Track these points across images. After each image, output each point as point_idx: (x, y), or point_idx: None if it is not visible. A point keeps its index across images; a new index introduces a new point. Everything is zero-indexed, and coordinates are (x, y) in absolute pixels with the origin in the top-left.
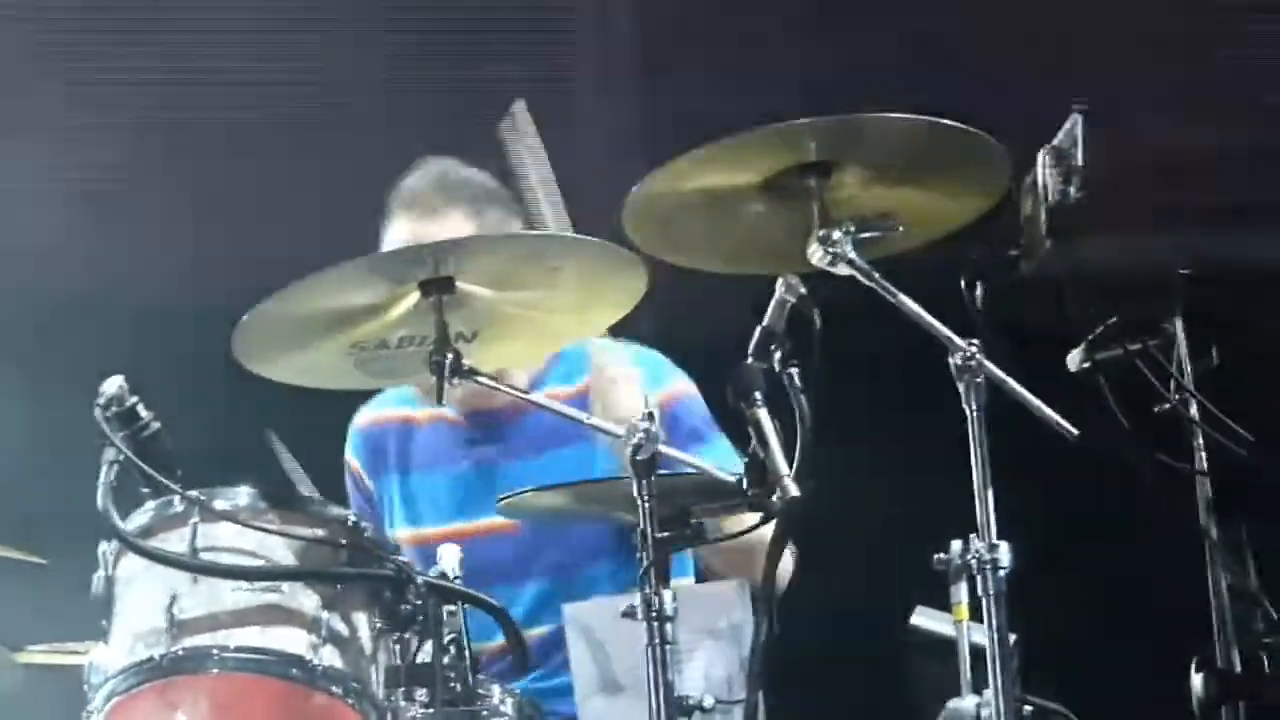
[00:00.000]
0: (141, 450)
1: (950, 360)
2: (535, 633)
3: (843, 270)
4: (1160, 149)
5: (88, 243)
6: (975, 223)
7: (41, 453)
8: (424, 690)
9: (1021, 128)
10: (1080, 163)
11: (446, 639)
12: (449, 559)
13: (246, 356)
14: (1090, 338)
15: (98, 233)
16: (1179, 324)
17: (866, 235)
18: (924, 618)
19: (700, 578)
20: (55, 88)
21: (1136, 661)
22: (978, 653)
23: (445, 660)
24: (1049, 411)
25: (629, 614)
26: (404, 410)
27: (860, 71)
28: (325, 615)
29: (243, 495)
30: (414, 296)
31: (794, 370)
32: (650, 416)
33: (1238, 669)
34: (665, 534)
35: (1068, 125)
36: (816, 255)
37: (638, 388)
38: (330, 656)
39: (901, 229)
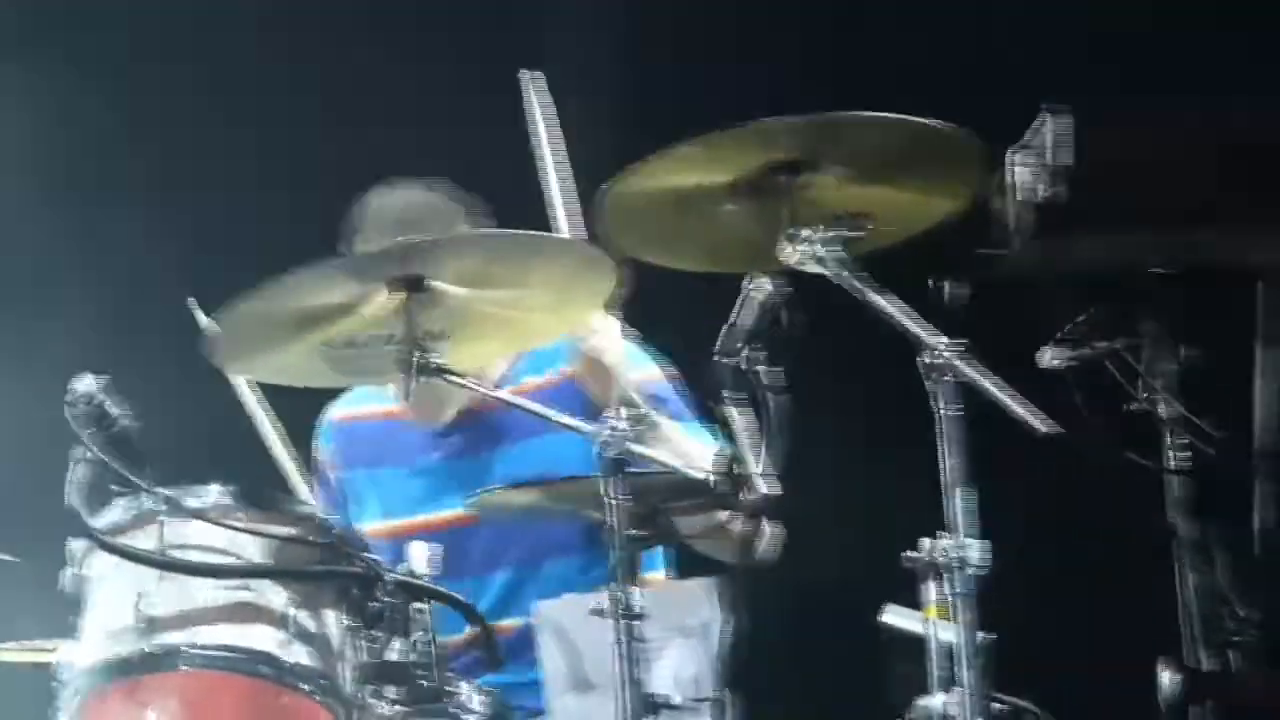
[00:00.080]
0: (111, 447)
1: (921, 358)
2: (504, 625)
3: (815, 269)
4: (1131, 148)
5: (55, 235)
6: (947, 221)
7: (10, 450)
8: (393, 687)
9: (992, 126)
10: (1050, 161)
11: (415, 636)
12: (418, 557)
13: (218, 355)
14: (1061, 336)
15: (66, 224)
16: (1149, 323)
17: (839, 234)
18: (894, 616)
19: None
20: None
21: (1105, 659)
22: (948, 650)
23: (414, 657)
24: (1020, 409)
25: (599, 612)
26: (375, 406)
27: (834, 70)
28: (294, 613)
29: (212, 493)
30: (385, 295)
31: (766, 368)
32: (620, 415)
33: (1206, 667)
34: (635, 532)
35: (1037, 124)
36: (789, 254)
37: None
38: (300, 654)
39: (875, 227)
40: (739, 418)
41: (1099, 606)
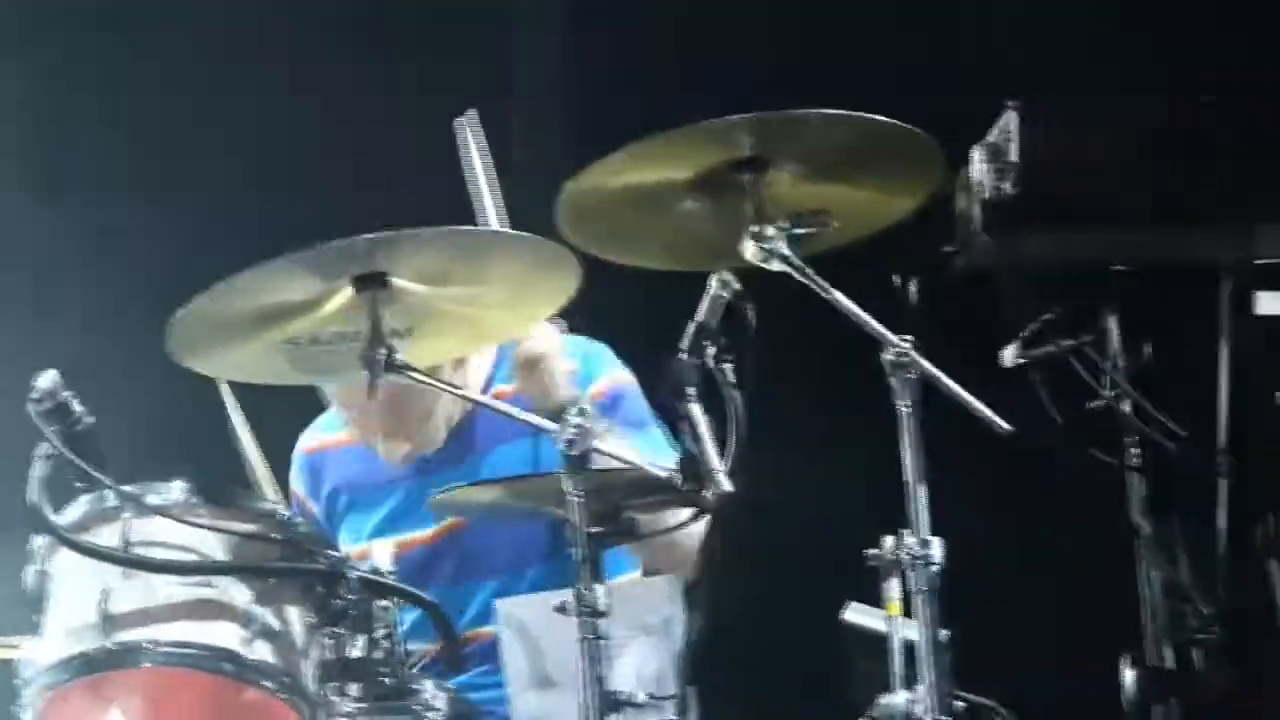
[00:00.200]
0: (75, 445)
1: (882, 356)
2: (484, 632)
3: (776, 266)
4: (1095, 145)
5: (21, 234)
6: (910, 219)
7: None
8: (356, 685)
9: (956, 124)
10: (1014, 159)
11: (379, 634)
12: (381, 555)
13: (181, 352)
14: (1024, 334)
15: (32, 223)
16: (1112, 319)
17: (800, 231)
18: (857, 613)
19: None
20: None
21: (1069, 657)
22: (910, 648)
23: (377, 655)
24: (982, 407)
25: (561, 609)
26: (344, 433)
27: (795, 68)
28: (258, 610)
29: (176, 490)
30: (347, 292)
31: (727, 365)
32: (583, 411)
33: (1169, 665)
34: (598, 529)
35: (1002, 122)
36: (750, 251)
37: (559, 359)
38: (262, 651)
39: (836, 225)
40: (701, 415)
41: (1062, 604)
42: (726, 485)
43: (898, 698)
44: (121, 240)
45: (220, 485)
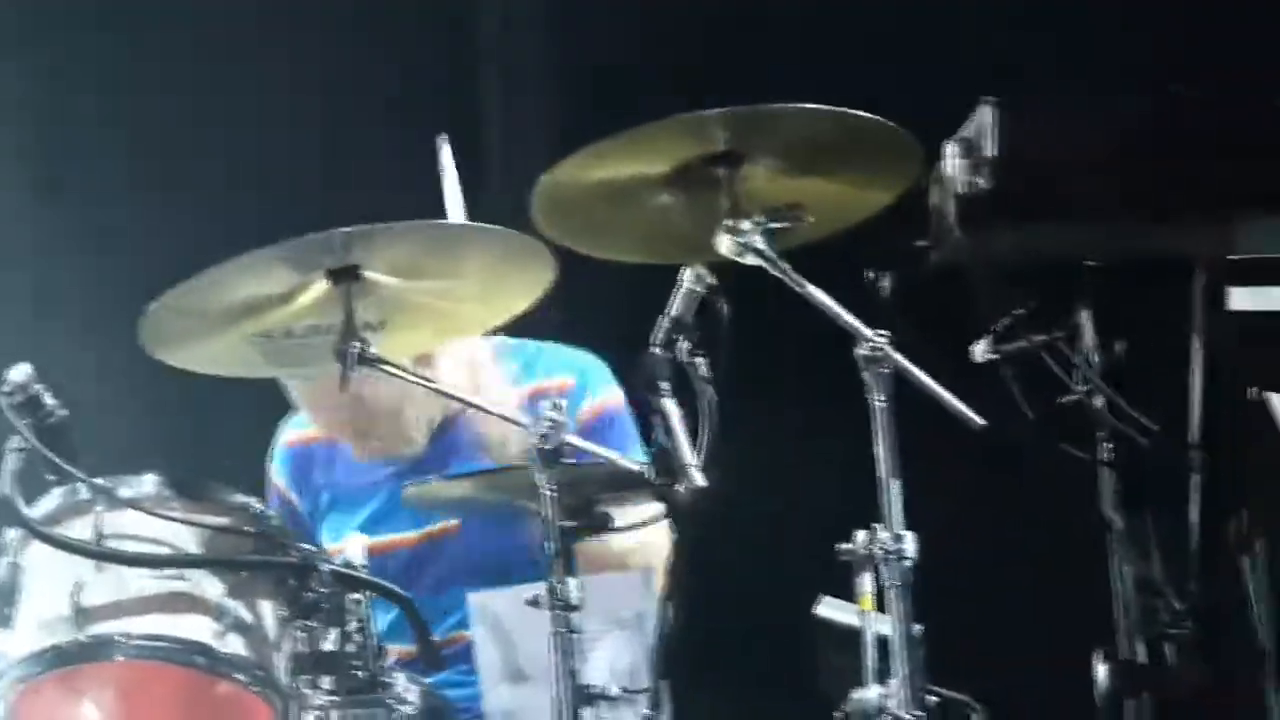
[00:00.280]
0: (47, 438)
1: (856, 351)
2: (465, 635)
3: (751, 260)
4: (1068, 140)
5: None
6: (884, 213)
7: None
8: (328, 678)
9: (930, 118)
10: (989, 154)
11: (351, 627)
12: (354, 548)
13: (153, 344)
14: (996, 329)
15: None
16: (1085, 314)
17: (775, 225)
18: (829, 608)
19: None
20: None
21: (1041, 652)
22: (883, 642)
23: (350, 648)
24: (955, 402)
25: (534, 603)
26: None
27: (770, 62)
28: (230, 603)
29: (148, 483)
30: (321, 285)
31: (700, 360)
32: (556, 407)
33: (1141, 660)
34: (570, 523)
35: (976, 116)
36: (725, 245)
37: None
38: (235, 644)
39: (810, 219)
40: (674, 410)
41: (1035, 599)
42: (699, 479)
43: (870, 692)
44: (119, 240)
45: (192, 478)
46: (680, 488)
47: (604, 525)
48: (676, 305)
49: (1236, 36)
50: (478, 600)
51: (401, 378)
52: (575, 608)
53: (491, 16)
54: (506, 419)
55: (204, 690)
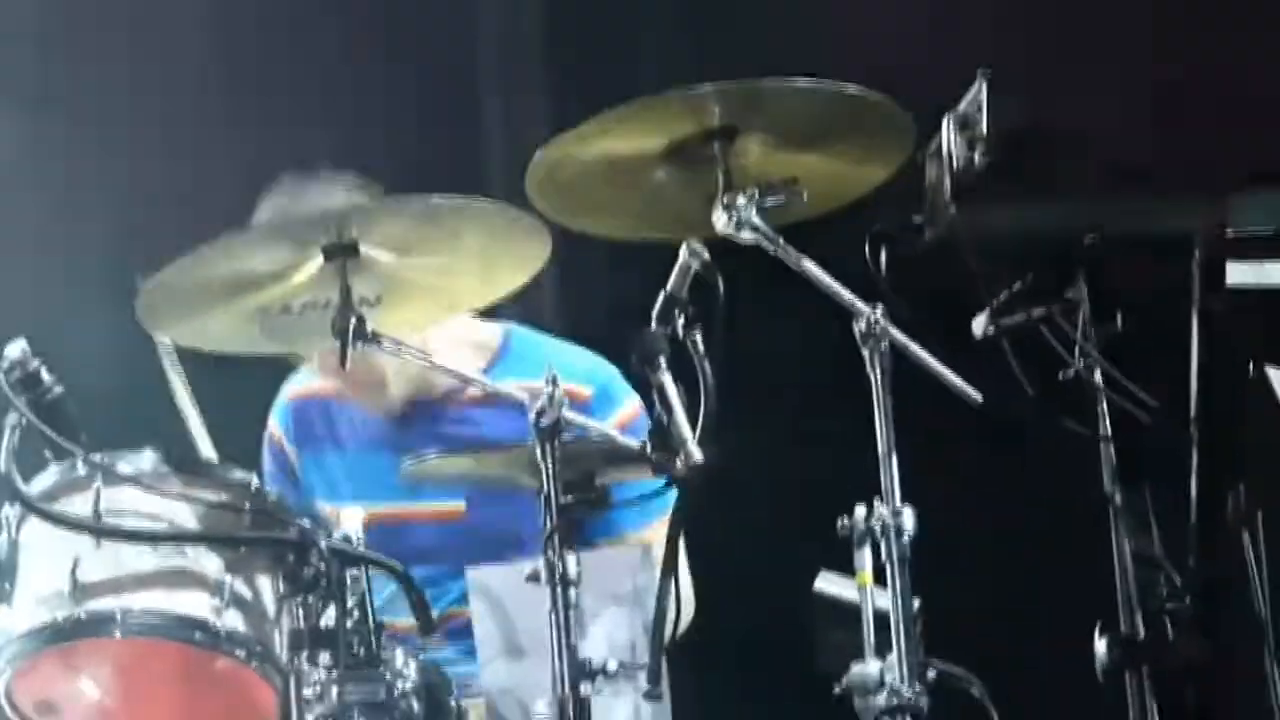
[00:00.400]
0: (45, 414)
1: (854, 326)
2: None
3: (747, 236)
4: (1064, 114)
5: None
6: (880, 189)
7: None
8: (327, 653)
9: (926, 94)
10: (985, 129)
11: (350, 602)
12: (351, 522)
13: (150, 320)
14: (995, 304)
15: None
16: (1083, 290)
17: (771, 201)
18: (828, 583)
19: None
20: None
21: (1040, 627)
22: (882, 617)
23: (349, 624)
24: (954, 377)
25: (533, 578)
26: (334, 384)
27: (764, 37)
28: (228, 579)
29: (146, 459)
30: (318, 261)
31: (698, 335)
32: (554, 381)
33: (1141, 635)
34: (569, 498)
35: (973, 91)
36: (721, 221)
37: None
38: (233, 620)
39: (806, 195)
40: (672, 385)
41: (1034, 573)
42: (697, 455)
43: (870, 667)
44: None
45: (191, 455)
46: (678, 463)
47: (603, 501)
48: (673, 281)
49: (1235, 11)
50: (476, 576)
51: (398, 354)
52: (573, 582)
53: None
54: (504, 395)
55: (202, 666)
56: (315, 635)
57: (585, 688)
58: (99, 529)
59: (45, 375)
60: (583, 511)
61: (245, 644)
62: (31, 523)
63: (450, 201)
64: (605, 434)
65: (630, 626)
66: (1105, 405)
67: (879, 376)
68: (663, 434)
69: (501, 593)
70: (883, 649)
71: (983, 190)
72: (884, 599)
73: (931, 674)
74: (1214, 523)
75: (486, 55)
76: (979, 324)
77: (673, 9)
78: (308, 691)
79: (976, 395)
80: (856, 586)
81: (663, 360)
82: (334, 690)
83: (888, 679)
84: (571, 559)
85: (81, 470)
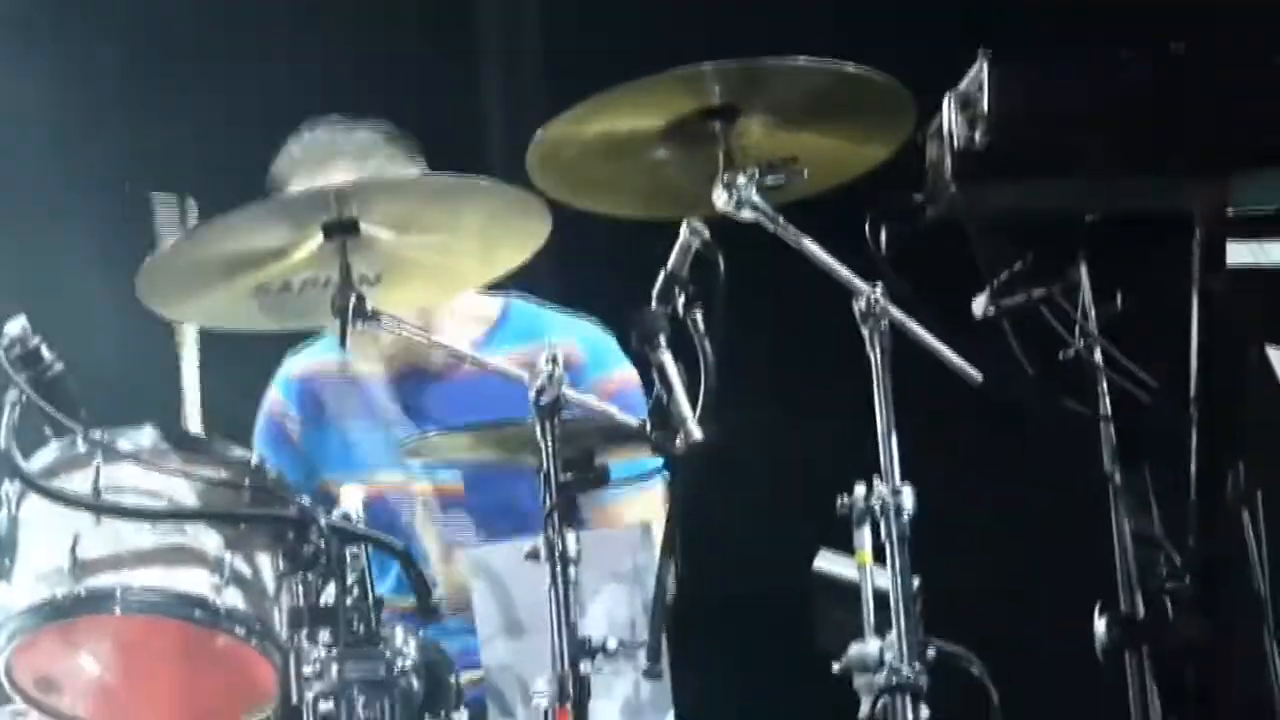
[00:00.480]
0: (45, 391)
1: (854, 305)
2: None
3: (747, 215)
4: (1065, 94)
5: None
6: (880, 168)
7: None
8: (327, 631)
9: (927, 73)
10: (986, 108)
11: (349, 580)
12: (351, 500)
13: (151, 298)
14: (995, 283)
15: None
16: (1084, 269)
17: (771, 180)
18: (828, 562)
19: None
20: None
21: (1040, 606)
22: (881, 596)
23: (348, 601)
24: (954, 356)
25: (532, 556)
26: (338, 358)
27: (766, 15)
28: (228, 556)
29: (146, 436)
30: (318, 239)
31: (697, 314)
32: (554, 360)
33: (1141, 614)
34: (569, 476)
35: (974, 70)
36: (721, 200)
37: None
38: (233, 597)
39: (806, 174)
40: (672, 364)
41: (1034, 552)
42: (697, 433)
43: (869, 645)
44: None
45: (191, 432)
46: (678, 442)
47: (602, 479)
48: (673, 260)
49: None
50: (476, 554)
51: (397, 332)
52: (573, 561)
53: None
54: (504, 374)
55: (202, 643)
56: (315, 613)
57: (585, 665)
58: (99, 506)
59: (45, 352)
60: (581, 489)
61: (245, 621)
62: (31, 499)
63: (450, 180)
64: (605, 412)
65: (630, 604)
66: (1105, 385)
67: (879, 355)
68: (663, 412)
69: (501, 571)
70: (882, 628)
71: (983, 170)
72: (884, 578)
73: (931, 653)
74: (1214, 502)
75: (486, 33)
76: (979, 303)
77: None
78: (307, 669)
79: (976, 375)
80: (856, 565)
81: (663, 339)
82: (334, 668)
83: (887, 658)
84: (571, 537)
85: (81, 447)
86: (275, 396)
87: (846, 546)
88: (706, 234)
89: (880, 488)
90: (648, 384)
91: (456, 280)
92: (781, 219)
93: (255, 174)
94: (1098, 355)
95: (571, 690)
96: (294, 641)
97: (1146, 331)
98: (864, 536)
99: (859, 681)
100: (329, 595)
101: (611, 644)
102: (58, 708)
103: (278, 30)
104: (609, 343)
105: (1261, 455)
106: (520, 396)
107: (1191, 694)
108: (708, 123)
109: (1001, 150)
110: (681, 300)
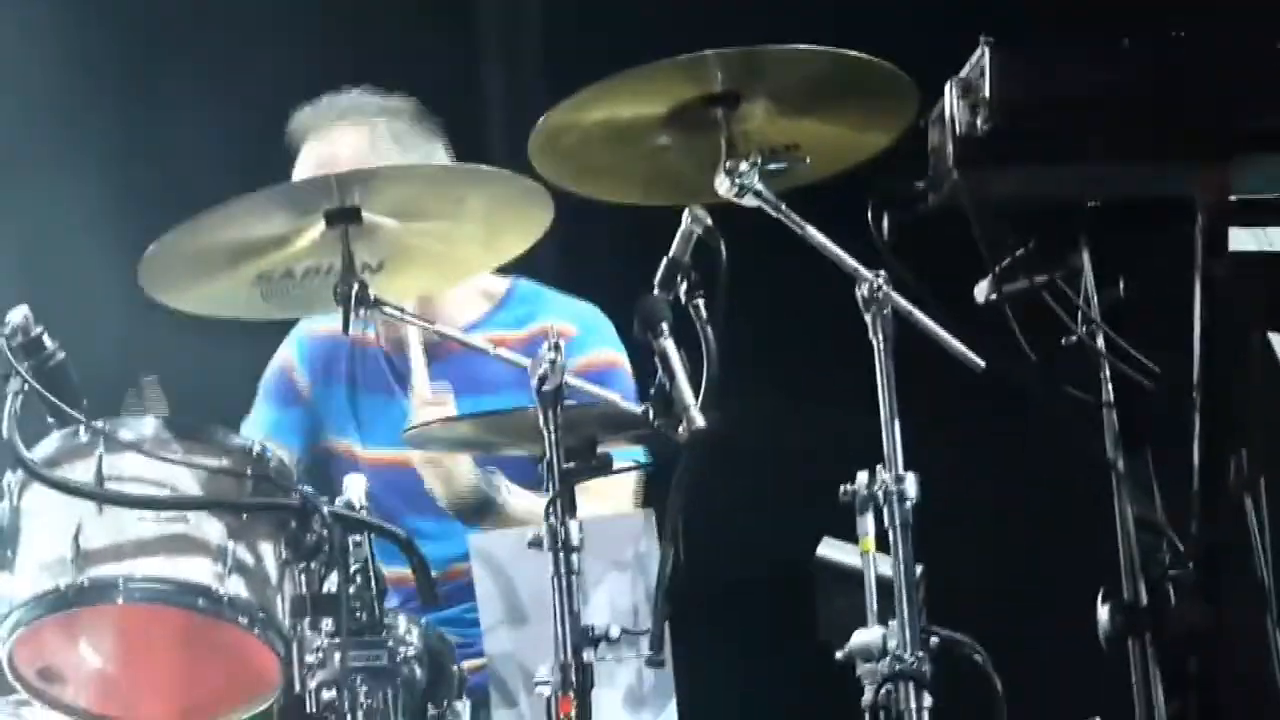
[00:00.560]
0: (47, 380)
1: (857, 291)
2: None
3: (750, 202)
4: (1070, 80)
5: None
6: (882, 154)
7: None
8: (330, 620)
9: (929, 59)
10: (988, 94)
11: (352, 569)
12: (355, 489)
13: (152, 286)
14: (997, 270)
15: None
16: (1086, 255)
17: (773, 167)
18: (831, 549)
19: None
20: None
21: (1043, 593)
22: (884, 584)
23: (351, 590)
24: (956, 343)
25: (535, 544)
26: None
27: (767, 3)
28: (231, 545)
29: (148, 425)
30: (320, 227)
31: (700, 301)
32: (556, 347)
33: (1143, 601)
34: (571, 464)
35: (976, 57)
36: (724, 187)
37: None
38: (236, 586)
39: (808, 160)
40: (675, 351)
41: (1037, 539)
42: (699, 420)
43: (872, 633)
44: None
45: (193, 420)
46: (680, 429)
47: (604, 467)
48: (676, 247)
49: None
50: (478, 542)
51: (399, 320)
52: (576, 549)
53: None
54: (504, 359)
55: (205, 632)
56: (318, 601)
57: (588, 654)
58: (101, 495)
59: (47, 341)
60: (580, 476)
61: (248, 610)
62: (34, 489)
63: (453, 168)
64: (606, 400)
65: (633, 592)
66: (1108, 371)
67: (881, 342)
68: (665, 400)
69: (504, 558)
70: (885, 615)
71: (985, 156)
72: (886, 565)
73: (934, 640)
74: (1216, 488)
75: (488, 19)
76: (981, 290)
77: None
78: (310, 658)
79: (979, 361)
80: (859, 553)
81: (665, 326)
82: (336, 656)
83: (890, 645)
84: (574, 525)
85: (84, 436)
86: (286, 351)
87: (849, 534)
88: (709, 221)
89: (883, 475)
90: (650, 371)
91: (459, 268)
92: (784, 205)
93: (253, 166)
94: (1100, 341)
95: (574, 678)
96: (297, 630)
97: (1149, 318)
98: (867, 524)
99: (862, 669)
100: (332, 583)
101: (614, 632)
102: (60, 698)
103: (278, 22)
104: (603, 324)
105: (1264, 441)
106: (523, 375)
107: (1194, 681)
108: (710, 109)
109: (1003, 136)
110: (684, 287)
